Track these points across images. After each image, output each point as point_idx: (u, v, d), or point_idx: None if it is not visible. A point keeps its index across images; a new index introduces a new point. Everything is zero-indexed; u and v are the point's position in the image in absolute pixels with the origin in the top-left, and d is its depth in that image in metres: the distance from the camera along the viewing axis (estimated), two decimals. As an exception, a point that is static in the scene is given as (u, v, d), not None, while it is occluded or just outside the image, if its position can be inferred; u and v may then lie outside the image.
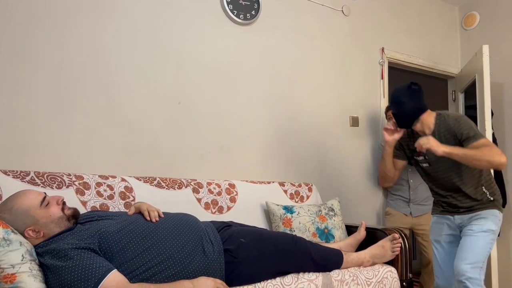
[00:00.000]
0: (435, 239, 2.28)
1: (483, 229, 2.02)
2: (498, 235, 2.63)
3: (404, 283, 2.14)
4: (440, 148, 1.96)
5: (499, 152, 1.93)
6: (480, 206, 2.09)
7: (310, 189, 2.70)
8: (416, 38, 3.68)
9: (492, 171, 2.11)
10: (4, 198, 1.60)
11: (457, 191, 2.13)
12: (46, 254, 1.39)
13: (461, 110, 3.75)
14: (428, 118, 2.15)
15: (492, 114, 3.46)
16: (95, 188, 1.95)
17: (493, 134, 3.26)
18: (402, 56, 3.55)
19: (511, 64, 3.57)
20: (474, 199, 2.10)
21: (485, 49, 3.11)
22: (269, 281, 1.73)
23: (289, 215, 2.34)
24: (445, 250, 2.23)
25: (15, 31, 2.03)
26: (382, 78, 3.41)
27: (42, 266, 1.38)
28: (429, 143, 1.98)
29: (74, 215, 1.57)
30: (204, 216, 2.16)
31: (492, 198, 2.09)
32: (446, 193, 2.19)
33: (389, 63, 3.50)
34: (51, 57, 2.11)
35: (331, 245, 2.18)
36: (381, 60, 3.42)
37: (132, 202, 2.01)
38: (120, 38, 2.31)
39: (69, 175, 1.94)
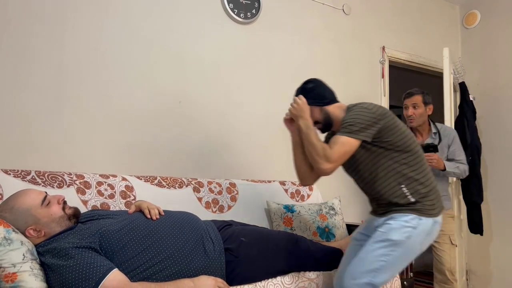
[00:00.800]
0: (353, 235, 1.96)
1: (381, 239, 1.61)
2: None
3: (405, 282, 2.14)
4: (298, 119, 1.71)
5: (331, 157, 1.58)
6: (395, 209, 1.66)
7: (310, 188, 2.70)
8: (416, 37, 3.67)
9: (426, 168, 1.67)
10: (5, 198, 1.60)
11: (371, 189, 1.73)
12: (47, 253, 1.40)
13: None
14: (336, 111, 1.76)
15: (475, 114, 3.47)
16: (96, 187, 1.96)
17: (472, 137, 3.30)
18: (402, 55, 3.55)
19: (512, 62, 3.57)
20: (389, 200, 1.67)
21: (445, 51, 3.15)
22: (269, 280, 1.73)
23: (289, 214, 2.34)
24: (349, 248, 1.88)
25: (15, 31, 2.03)
26: (382, 77, 3.41)
27: (43, 265, 1.38)
28: (293, 107, 1.74)
29: (75, 214, 1.57)
30: (205, 215, 2.16)
31: (413, 200, 1.63)
32: (363, 190, 1.83)
33: (390, 61, 3.50)
34: (51, 56, 2.11)
35: (332, 244, 2.18)
36: (381, 59, 3.42)
37: (133, 201, 2.01)
38: (120, 37, 2.31)
39: (70, 174, 1.94)
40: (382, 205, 1.71)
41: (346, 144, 1.59)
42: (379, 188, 1.68)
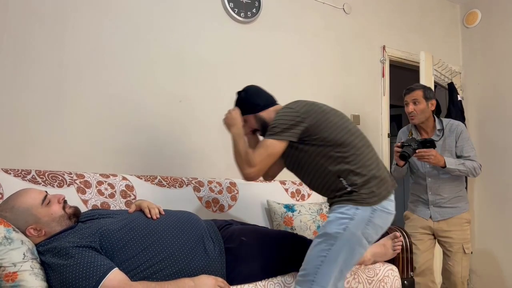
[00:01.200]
0: None
1: (320, 233, 1.59)
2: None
3: (405, 282, 2.14)
4: (229, 129, 1.74)
5: (252, 162, 1.60)
6: (334, 201, 1.64)
7: (311, 188, 2.69)
8: (417, 36, 3.67)
9: (363, 158, 1.63)
10: (5, 197, 1.61)
11: (314, 185, 1.72)
12: (47, 253, 1.40)
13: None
14: (271, 115, 1.75)
15: (463, 114, 3.47)
16: (96, 186, 1.96)
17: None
18: (403, 54, 3.55)
19: (513, 62, 3.57)
20: (329, 194, 1.68)
21: (422, 55, 3.20)
22: (270, 279, 1.73)
23: (290, 213, 2.34)
24: None
25: (16, 30, 2.03)
26: (383, 76, 3.41)
27: (44, 265, 1.38)
28: (225, 117, 1.78)
29: (75, 214, 1.57)
30: (205, 214, 2.16)
31: (349, 189, 1.59)
32: (310, 188, 1.79)
33: (390, 61, 3.49)
34: (52, 56, 2.11)
35: (332, 243, 2.18)
36: (382, 58, 3.41)
37: (133, 201, 2.01)
38: (120, 36, 2.31)
39: (70, 173, 1.94)
40: (328, 199, 1.72)
41: (269, 146, 1.62)
42: (318, 183, 1.68)
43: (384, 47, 3.42)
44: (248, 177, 1.66)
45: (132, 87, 2.33)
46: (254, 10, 2.75)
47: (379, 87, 3.39)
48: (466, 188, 2.63)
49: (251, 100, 1.83)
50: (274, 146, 1.61)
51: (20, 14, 2.05)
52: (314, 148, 1.62)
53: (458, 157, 2.44)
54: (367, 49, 3.36)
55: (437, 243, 2.59)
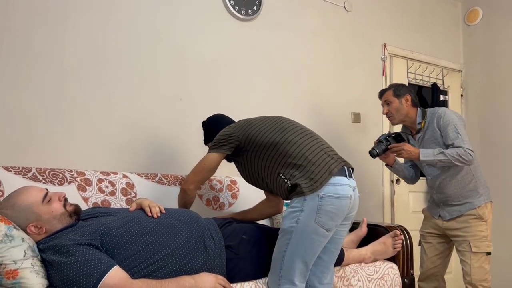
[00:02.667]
0: None
1: (279, 231, 1.66)
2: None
3: (405, 280, 2.14)
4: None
5: (188, 176, 1.88)
6: (285, 198, 1.73)
7: (311, 186, 2.69)
8: (418, 34, 3.66)
9: (297, 148, 1.66)
10: (6, 195, 1.61)
11: (270, 189, 1.81)
12: (48, 250, 1.40)
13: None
14: None
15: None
16: (97, 184, 1.96)
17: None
18: (404, 52, 3.54)
19: (514, 60, 3.56)
20: (280, 193, 1.73)
21: None
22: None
23: (290, 211, 2.33)
24: None
25: (17, 29, 2.03)
26: (384, 74, 3.40)
27: (44, 262, 1.38)
28: None
29: (76, 212, 1.57)
30: (206, 212, 2.16)
31: (290, 183, 1.63)
32: (270, 193, 1.94)
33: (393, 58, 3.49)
34: (52, 54, 2.11)
35: (333, 241, 2.18)
36: (383, 56, 3.41)
37: (134, 199, 2.01)
38: (121, 34, 2.31)
39: (71, 171, 1.94)
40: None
41: (205, 159, 1.83)
42: (271, 187, 1.76)
43: (385, 45, 3.42)
44: (186, 188, 1.87)
45: (133, 85, 2.33)
46: (254, 8, 2.74)
47: (380, 85, 3.38)
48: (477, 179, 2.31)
49: (210, 132, 2.03)
50: (209, 158, 1.82)
51: (20, 13, 2.05)
52: (252, 154, 1.75)
53: (446, 146, 2.22)
54: (368, 47, 3.35)
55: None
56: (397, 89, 2.37)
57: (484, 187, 2.32)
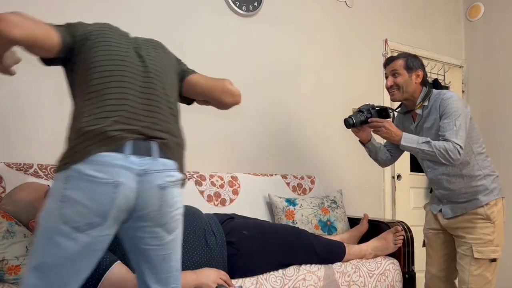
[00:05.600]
0: None
1: None
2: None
3: (406, 275, 2.15)
4: None
5: None
6: None
7: (312, 182, 2.70)
8: (419, 30, 3.65)
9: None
10: (7, 191, 1.61)
11: None
12: (50, 246, 1.40)
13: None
14: None
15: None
16: (98, 180, 1.95)
17: None
18: (405, 48, 3.52)
19: (516, 55, 3.55)
20: None
21: None
22: (271, 273, 1.74)
23: (291, 207, 2.34)
24: None
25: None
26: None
27: (46, 258, 1.38)
28: None
29: (78, 208, 1.57)
30: (207, 208, 2.16)
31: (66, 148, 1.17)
32: None
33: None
34: (53, 49, 2.11)
35: (334, 237, 2.19)
36: (384, 52, 3.40)
37: (135, 195, 2.01)
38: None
39: (72, 167, 1.94)
40: None
41: None
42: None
43: (386, 41, 3.40)
44: None
45: (134, 81, 2.33)
46: (255, 4, 2.73)
47: (381, 81, 3.37)
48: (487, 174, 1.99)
49: None
50: None
51: (21, 8, 2.04)
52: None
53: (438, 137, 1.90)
54: (369, 42, 3.34)
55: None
56: (411, 61, 1.97)
57: (495, 181, 1.99)
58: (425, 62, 3.69)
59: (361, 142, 2.17)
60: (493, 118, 3.63)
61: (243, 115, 2.67)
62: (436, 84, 2.11)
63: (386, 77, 2.03)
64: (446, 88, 3.68)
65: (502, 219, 1.95)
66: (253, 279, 1.67)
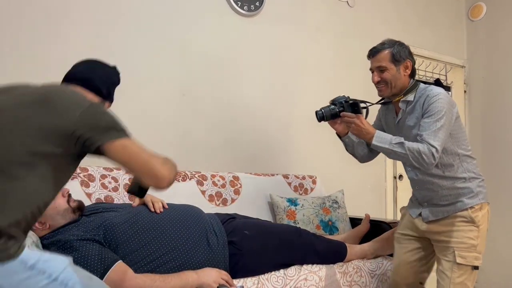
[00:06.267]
0: None
1: None
2: None
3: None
4: None
5: (164, 169, 1.25)
6: None
7: (314, 182, 2.69)
8: (421, 29, 3.64)
9: None
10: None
11: None
12: (52, 246, 1.41)
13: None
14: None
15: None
16: (100, 180, 1.96)
17: None
18: (407, 48, 3.52)
19: (518, 55, 3.54)
20: None
21: None
22: (272, 273, 1.74)
23: (293, 207, 2.34)
24: None
25: (18, 25, 2.03)
26: (387, 70, 3.39)
27: (48, 257, 1.39)
28: None
29: (80, 208, 1.58)
30: (208, 208, 2.16)
31: None
32: None
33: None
34: (53, 50, 2.11)
35: (335, 237, 2.19)
36: (386, 52, 3.39)
37: (137, 194, 2.01)
38: (122, 29, 2.31)
39: (74, 167, 1.94)
40: None
41: (137, 144, 1.25)
42: None
43: (388, 41, 3.40)
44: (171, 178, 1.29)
45: (135, 81, 2.33)
46: (257, 3, 2.73)
47: (383, 81, 3.37)
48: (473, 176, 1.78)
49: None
50: (134, 140, 1.23)
51: (22, 9, 2.04)
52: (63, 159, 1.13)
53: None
54: (371, 42, 3.32)
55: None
56: (397, 51, 1.77)
57: (480, 185, 1.79)
58: (427, 62, 3.71)
59: (338, 134, 1.97)
60: (495, 118, 3.63)
61: (244, 115, 2.68)
62: (438, 84, 1.93)
63: (372, 71, 1.83)
64: (448, 88, 3.68)
65: (486, 225, 1.77)
66: (254, 279, 1.67)
